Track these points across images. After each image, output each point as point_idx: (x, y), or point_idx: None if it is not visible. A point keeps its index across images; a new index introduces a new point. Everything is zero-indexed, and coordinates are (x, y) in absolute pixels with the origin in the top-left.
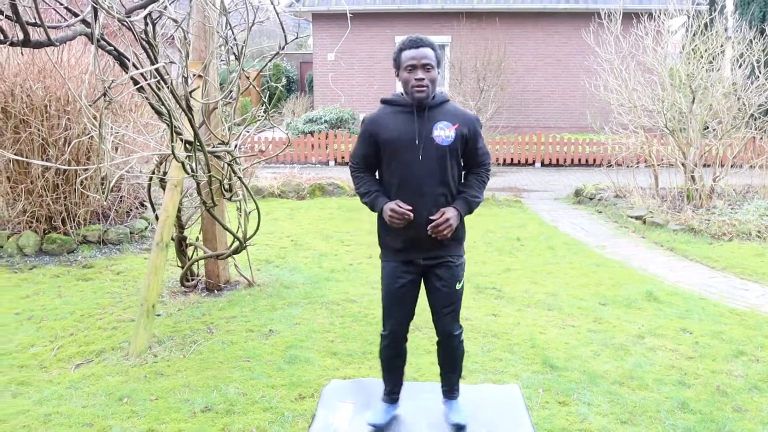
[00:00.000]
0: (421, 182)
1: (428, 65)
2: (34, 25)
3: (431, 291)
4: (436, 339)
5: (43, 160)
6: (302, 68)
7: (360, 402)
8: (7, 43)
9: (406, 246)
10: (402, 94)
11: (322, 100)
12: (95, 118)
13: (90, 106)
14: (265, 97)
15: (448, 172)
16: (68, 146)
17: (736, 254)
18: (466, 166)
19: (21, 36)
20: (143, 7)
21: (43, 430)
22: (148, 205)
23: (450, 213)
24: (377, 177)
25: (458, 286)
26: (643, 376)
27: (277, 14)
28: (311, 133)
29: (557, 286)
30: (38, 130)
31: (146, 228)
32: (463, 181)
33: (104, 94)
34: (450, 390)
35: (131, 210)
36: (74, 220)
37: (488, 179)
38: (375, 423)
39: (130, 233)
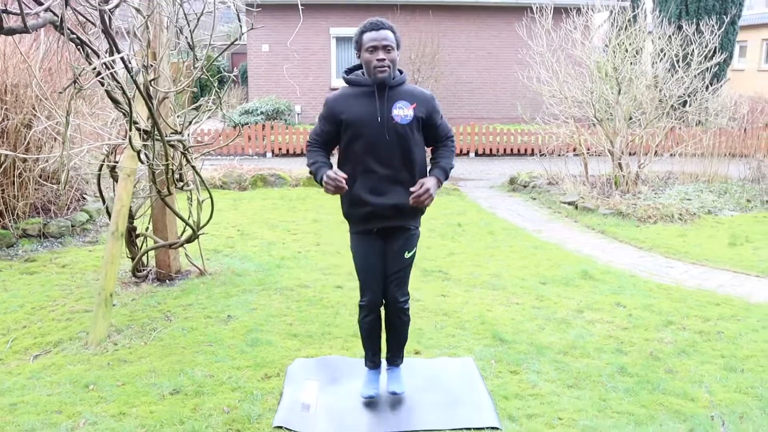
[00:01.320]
0: (384, 159)
1: (389, 46)
2: (6, 12)
3: (384, 256)
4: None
5: None
6: (234, 60)
7: (324, 378)
8: None
9: (368, 217)
10: (363, 75)
11: (257, 91)
12: (36, 107)
13: (60, 93)
14: (214, 86)
15: (409, 151)
16: (6, 137)
17: (661, 235)
18: (431, 141)
19: None
20: None
21: (10, 419)
22: (96, 195)
23: (429, 182)
24: (329, 155)
25: (407, 255)
26: (584, 346)
27: (235, 6)
28: (247, 124)
29: (500, 267)
30: None
31: (87, 220)
32: (432, 155)
33: (74, 81)
34: (393, 357)
35: (71, 202)
36: (13, 214)
37: (455, 149)
38: (370, 395)
39: (72, 226)
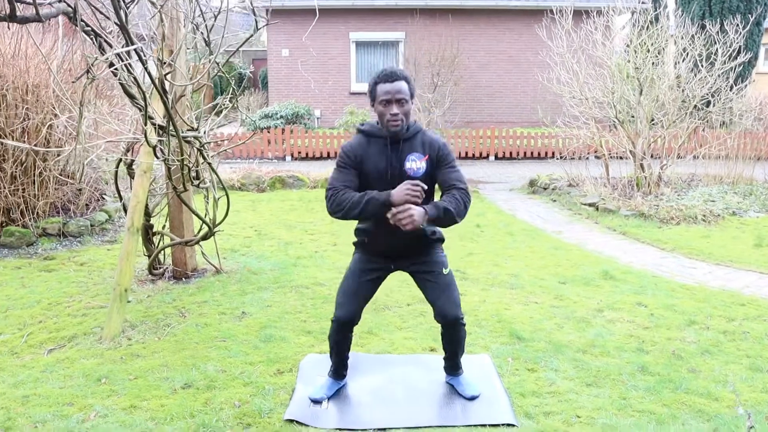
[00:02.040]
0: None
1: (402, 99)
2: (21, 1)
3: (422, 288)
4: (441, 329)
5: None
6: (255, 65)
7: None
8: None
9: (383, 256)
10: (377, 125)
11: (277, 95)
12: (55, 106)
13: (74, 82)
14: (232, 84)
15: (421, 201)
16: (27, 136)
17: (684, 236)
18: (441, 188)
19: (7, 11)
20: None
21: (22, 411)
22: (114, 193)
23: (415, 209)
24: None
25: (445, 272)
26: (604, 345)
27: (253, 9)
28: (267, 128)
29: (518, 267)
30: None
31: (107, 220)
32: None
33: (87, 71)
34: (455, 368)
35: (91, 202)
36: (33, 213)
37: (463, 200)
38: (315, 397)
39: (91, 225)
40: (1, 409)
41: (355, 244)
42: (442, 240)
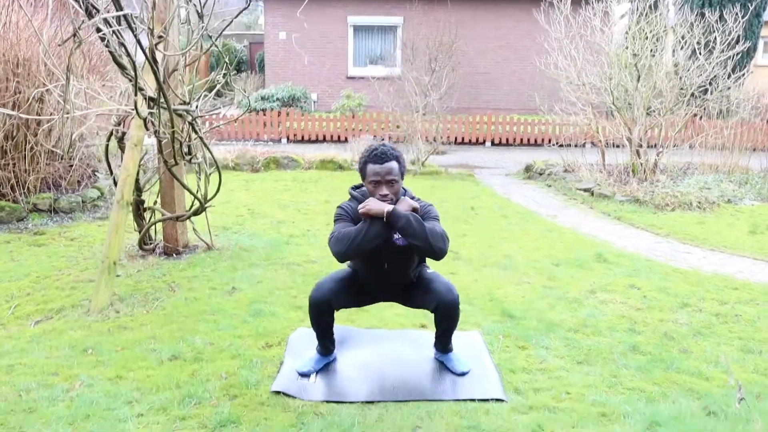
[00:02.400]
0: (380, 274)
1: (392, 180)
2: None
3: (412, 300)
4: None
5: None
6: (252, 48)
7: None
8: None
9: (375, 289)
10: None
11: (273, 78)
12: (47, 80)
13: (59, 45)
14: (224, 59)
15: (408, 264)
16: (17, 110)
17: (679, 222)
18: None
19: None
20: None
21: (6, 379)
22: (106, 169)
23: (386, 206)
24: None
25: (429, 271)
26: (596, 324)
27: None
28: (263, 110)
29: (512, 249)
30: None
31: (99, 197)
32: None
33: (74, 35)
34: (446, 346)
35: (83, 179)
36: (24, 188)
37: (440, 232)
38: (304, 371)
39: (83, 202)
40: None
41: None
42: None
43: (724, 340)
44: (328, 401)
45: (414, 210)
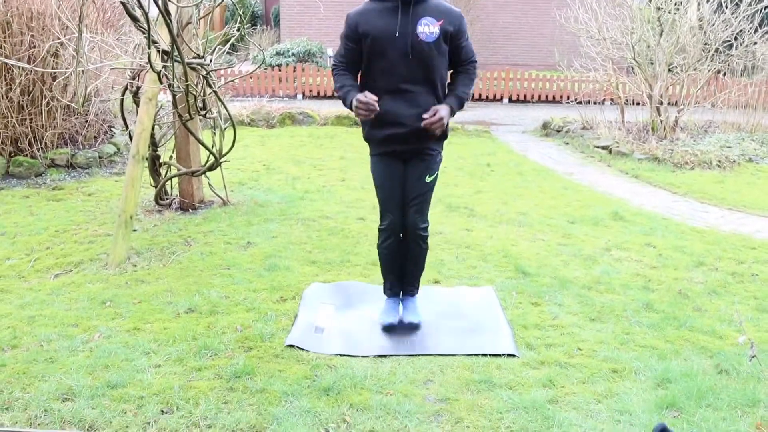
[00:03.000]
0: (405, 79)
1: None
2: None
3: (404, 180)
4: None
5: (6, 79)
6: (267, 2)
7: (339, 303)
8: None
9: (388, 139)
10: None
11: (289, 33)
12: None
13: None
14: (239, 12)
15: (433, 70)
16: (33, 64)
17: (698, 181)
18: (452, 64)
19: None
20: None
21: (28, 330)
22: (122, 125)
23: (443, 111)
24: (358, 79)
25: (428, 179)
26: (610, 282)
27: None
28: (279, 66)
29: (527, 206)
30: (0, 47)
31: (115, 153)
32: (450, 79)
33: None
34: (410, 286)
35: (99, 134)
36: (41, 143)
37: (476, 76)
38: (390, 323)
39: (99, 157)
40: (7, 329)
41: (365, 139)
42: (445, 136)
43: (739, 299)
44: (341, 354)
45: (436, 120)
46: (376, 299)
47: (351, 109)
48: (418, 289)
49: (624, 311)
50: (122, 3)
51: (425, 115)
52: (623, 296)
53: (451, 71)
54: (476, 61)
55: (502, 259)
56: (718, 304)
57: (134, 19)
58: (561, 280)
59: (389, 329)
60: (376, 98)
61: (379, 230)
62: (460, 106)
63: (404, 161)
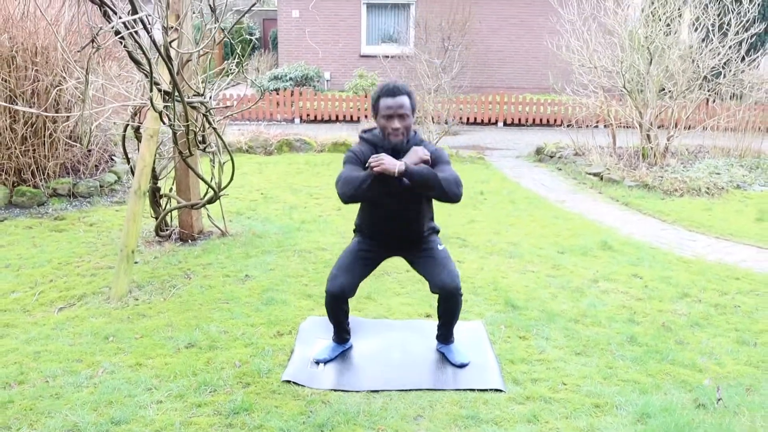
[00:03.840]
0: (394, 216)
1: (404, 114)
2: None
3: (418, 266)
4: (438, 300)
5: (11, 112)
6: (265, 25)
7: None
8: None
9: (377, 247)
10: (377, 135)
11: (286, 57)
12: (64, 69)
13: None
14: (237, 50)
15: (418, 208)
16: (36, 98)
17: (686, 208)
18: None
19: None
20: None
21: (34, 366)
22: (123, 156)
23: (387, 157)
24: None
25: (440, 247)
26: (596, 315)
27: None
28: (276, 90)
29: (518, 236)
30: (5, 81)
31: (115, 181)
32: None
33: (92, 41)
34: (447, 337)
35: (100, 164)
36: (43, 173)
37: (454, 179)
38: (318, 358)
39: (100, 186)
40: (14, 364)
41: (355, 231)
42: (437, 231)
43: (720, 331)
44: (335, 390)
45: (425, 162)
46: (370, 333)
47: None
48: (454, 337)
49: (609, 345)
50: (129, 54)
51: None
52: (608, 329)
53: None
54: (458, 177)
55: (492, 293)
56: (700, 336)
57: (137, 62)
58: (549, 313)
59: (375, 361)
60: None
61: (326, 291)
62: (418, 172)
63: (408, 261)
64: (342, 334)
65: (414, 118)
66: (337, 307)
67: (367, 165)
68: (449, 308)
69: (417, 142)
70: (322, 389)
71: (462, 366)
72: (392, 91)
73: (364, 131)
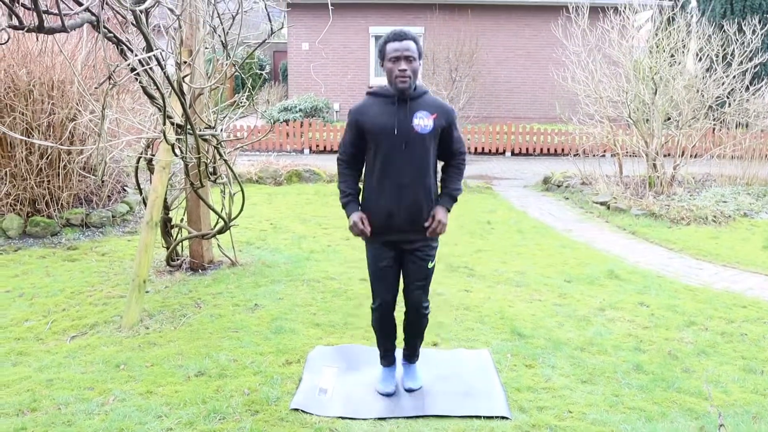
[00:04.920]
0: (400, 170)
1: (411, 57)
2: (48, 13)
3: (405, 267)
4: (405, 309)
5: (26, 144)
6: (275, 57)
7: (343, 366)
8: (24, 29)
9: (385, 230)
10: (386, 86)
11: (296, 89)
12: (79, 102)
13: (96, 88)
14: (248, 83)
15: (426, 160)
16: (52, 130)
17: (693, 237)
18: (444, 155)
19: (36, 22)
20: None
21: (46, 393)
22: (135, 187)
23: (440, 214)
24: (360, 174)
25: (430, 265)
26: (602, 343)
27: (266, 6)
28: (286, 121)
29: (525, 265)
30: (22, 114)
31: (128, 212)
32: (442, 173)
33: (109, 78)
34: (411, 354)
35: (113, 194)
36: (57, 204)
37: (465, 167)
38: (387, 392)
39: (113, 216)
40: (27, 392)
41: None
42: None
43: (727, 359)
44: (343, 417)
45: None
46: (377, 362)
47: (347, 217)
48: (418, 357)
49: (615, 373)
50: (143, 89)
51: (426, 224)
52: (615, 357)
53: (442, 163)
54: (465, 153)
55: (499, 321)
56: (707, 364)
57: (151, 97)
58: (555, 341)
59: (391, 395)
60: (369, 228)
61: (372, 309)
62: (454, 202)
63: (401, 251)
64: (390, 354)
65: (420, 63)
66: (386, 321)
67: (428, 234)
68: (414, 324)
69: (424, 91)
70: (330, 417)
71: (408, 391)
72: (399, 35)
73: (371, 87)
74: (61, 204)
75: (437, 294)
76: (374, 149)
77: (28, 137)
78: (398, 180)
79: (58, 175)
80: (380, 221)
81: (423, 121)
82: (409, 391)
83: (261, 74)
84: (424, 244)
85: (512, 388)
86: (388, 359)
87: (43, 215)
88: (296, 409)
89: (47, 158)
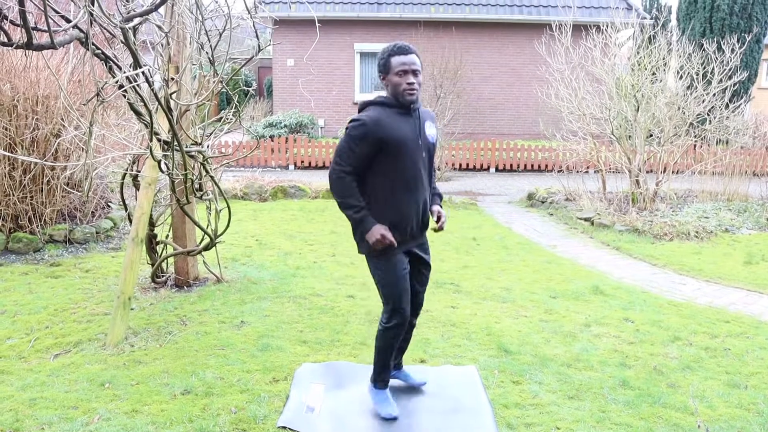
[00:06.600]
0: (419, 178)
1: (417, 70)
2: (37, 29)
3: (415, 269)
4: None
5: (9, 159)
6: (260, 73)
7: (330, 383)
8: (13, 46)
9: (408, 239)
10: (389, 97)
11: (281, 104)
12: (64, 117)
13: (84, 105)
14: (234, 99)
15: (432, 165)
16: (36, 146)
17: (676, 252)
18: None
19: (25, 39)
20: (142, 15)
21: (29, 413)
22: (119, 202)
23: (442, 212)
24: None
25: (427, 274)
26: (588, 359)
27: (254, 24)
28: (271, 137)
29: (511, 281)
30: (6, 129)
31: (111, 228)
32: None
33: (97, 94)
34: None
35: (96, 210)
36: (40, 220)
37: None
38: (395, 415)
39: (96, 233)
40: (9, 411)
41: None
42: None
43: (711, 374)
44: None
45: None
46: (364, 380)
47: (364, 232)
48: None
49: (601, 388)
50: (130, 106)
51: (436, 224)
52: (601, 373)
53: None
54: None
55: (486, 338)
56: (691, 379)
57: (138, 113)
58: (541, 357)
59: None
60: (393, 240)
61: (387, 327)
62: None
63: (412, 256)
64: (389, 374)
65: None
66: (404, 335)
67: (437, 228)
68: (409, 333)
69: (419, 105)
70: None
71: (422, 384)
72: (403, 49)
73: (366, 101)
74: (44, 220)
75: (424, 311)
76: (393, 160)
77: (12, 153)
78: (418, 188)
79: (42, 191)
80: (403, 231)
81: (431, 130)
82: (422, 383)
83: (248, 91)
84: (424, 240)
85: (500, 405)
86: (388, 380)
87: (26, 231)
88: (284, 428)
89: (30, 174)
